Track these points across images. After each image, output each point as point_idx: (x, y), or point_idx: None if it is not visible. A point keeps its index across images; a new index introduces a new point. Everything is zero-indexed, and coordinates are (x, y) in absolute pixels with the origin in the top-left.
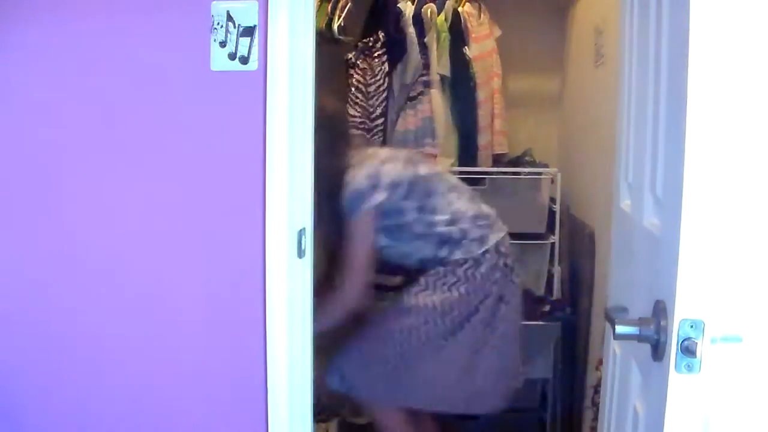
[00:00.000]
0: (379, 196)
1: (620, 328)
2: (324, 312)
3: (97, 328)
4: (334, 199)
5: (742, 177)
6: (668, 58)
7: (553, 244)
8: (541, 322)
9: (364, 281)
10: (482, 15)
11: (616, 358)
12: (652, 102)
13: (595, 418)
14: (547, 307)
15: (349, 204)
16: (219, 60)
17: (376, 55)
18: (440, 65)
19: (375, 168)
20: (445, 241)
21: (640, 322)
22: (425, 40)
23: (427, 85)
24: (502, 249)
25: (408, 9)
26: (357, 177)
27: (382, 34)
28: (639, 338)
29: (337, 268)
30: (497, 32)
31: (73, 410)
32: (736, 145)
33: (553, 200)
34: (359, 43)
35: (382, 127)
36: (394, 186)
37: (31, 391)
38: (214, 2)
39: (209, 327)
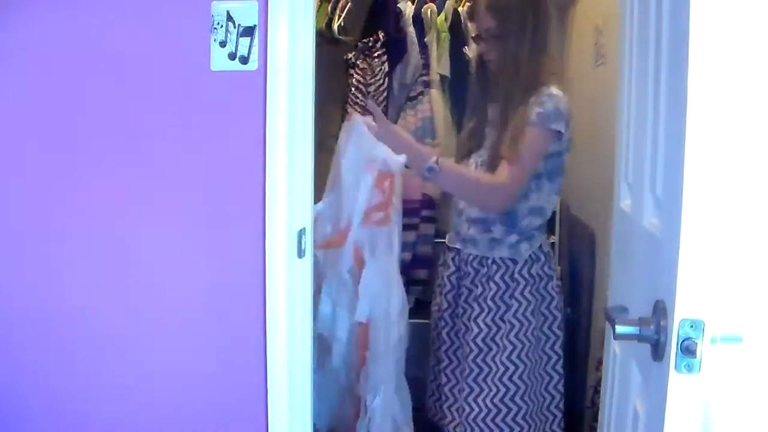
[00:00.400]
0: (565, 131)
1: (620, 328)
2: (464, 177)
3: (96, 327)
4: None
5: (742, 177)
6: (668, 58)
7: (553, 244)
8: None
9: (520, 189)
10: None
11: (616, 358)
12: (652, 102)
13: (595, 418)
14: None
15: (546, 115)
16: (219, 60)
17: (376, 55)
18: (440, 65)
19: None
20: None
21: (640, 322)
22: (425, 39)
23: (427, 85)
24: None
25: (408, 9)
26: (562, 99)
27: (382, 34)
28: (639, 338)
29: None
30: None
31: (72, 410)
32: (736, 145)
33: None
34: (359, 43)
35: None
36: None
37: (30, 391)
38: (214, 2)
39: (209, 327)
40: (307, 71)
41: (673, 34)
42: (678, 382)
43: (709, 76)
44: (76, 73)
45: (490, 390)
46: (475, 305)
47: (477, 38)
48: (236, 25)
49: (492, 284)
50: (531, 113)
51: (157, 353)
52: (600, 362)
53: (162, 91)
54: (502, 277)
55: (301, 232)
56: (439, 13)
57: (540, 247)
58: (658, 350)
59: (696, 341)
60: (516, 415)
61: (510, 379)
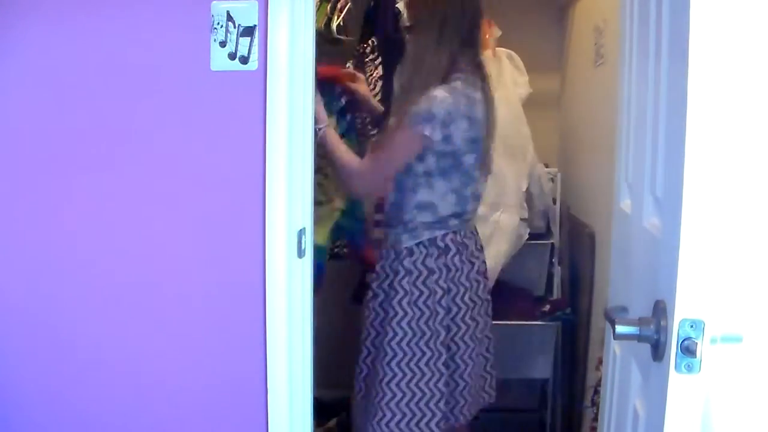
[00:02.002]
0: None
1: (620, 328)
2: (337, 154)
3: (96, 328)
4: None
5: (742, 177)
6: (668, 58)
7: (553, 244)
8: (541, 322)
9: (374, 180)
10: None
11: (616, 358)
12: (652, 102)
13: (595, 418)
14: (547, 307)
15: (416, 117)
16: (219, 60)
17: (366, 61)
18: None
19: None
20: None
21: (640, 322)
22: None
23: None
24: None
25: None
26: (441, 101)
27: (374, 40)
28: (639, 338)
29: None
30: (497, 32)
31: (71, 410)
32: (736, 145)
33: (553, 200)
34: (355, 51)
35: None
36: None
37: (30, 390)
38: (214, 2)
39: (209, 327)
40: (307, 71)
41: (673, 34)
42: (678, 382)
43: (710, 76)
44: (77, 73)
45: (385, 374)
46: (369, 291)
47: (406, 29)
48: (236, 25)
49: (378, 272)
50: (409, 111)
51: (156, 353)
52: (600, 362)
53: (162, 91)
54: (382, 266)
55: (301, 232)
56: None
57: (425, 241)
58: (658, 350)
59: (696, 341)
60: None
61: (389, 364)
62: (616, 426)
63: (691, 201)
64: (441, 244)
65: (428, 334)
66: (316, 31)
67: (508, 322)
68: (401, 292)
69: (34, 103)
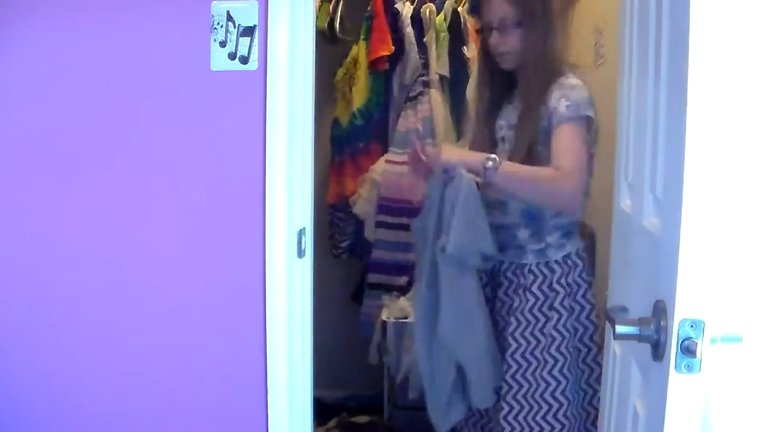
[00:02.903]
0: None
1: (620, 328)
2: (528, 176)
3: (97, 327)
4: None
5: (742, 177)
6: (668, 58)
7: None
8: None
9: (582, 181)
10: None
11: (616, 358)
12: (652, 102)
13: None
14: None
15: (576, 105)
16: (219, 60)
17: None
18: (439, 65)
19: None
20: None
21: (640, 322)
22: (424, 39)
23: (427, 85)
24: None
25: (406, 9)
26: (584, 88)
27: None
28: (639, 338)
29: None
30: None
31: (71, 409)
32: (737, 145)
33: None
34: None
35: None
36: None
37: (30, 389)
38: (214, 2)
39: (209, 327)
40: (307, 71)
41: (673, 33)
42: (678, 382)
43: (710, 75)
44: (77, 72)
45: (532, 407)
46: (512, 319)
47: (488, 31)
48: (236, 25)
49: (530, 295)
50: (560, 108)
51: (157, 353)
52: None
53: (162, 91)
54: (540, 287)
55: (301, 232)
56: (438, 13)
57: (575, 254)
58: (658, 350)
59: (696, 341)
60: (565, 430)
61: (552, 395)
62: (616, 426)
63: (691, 201)
64: (583, 255)
65: (593, 350)
66: (316, 30)
67: None
68: (565, 313)
69: (34, 103)
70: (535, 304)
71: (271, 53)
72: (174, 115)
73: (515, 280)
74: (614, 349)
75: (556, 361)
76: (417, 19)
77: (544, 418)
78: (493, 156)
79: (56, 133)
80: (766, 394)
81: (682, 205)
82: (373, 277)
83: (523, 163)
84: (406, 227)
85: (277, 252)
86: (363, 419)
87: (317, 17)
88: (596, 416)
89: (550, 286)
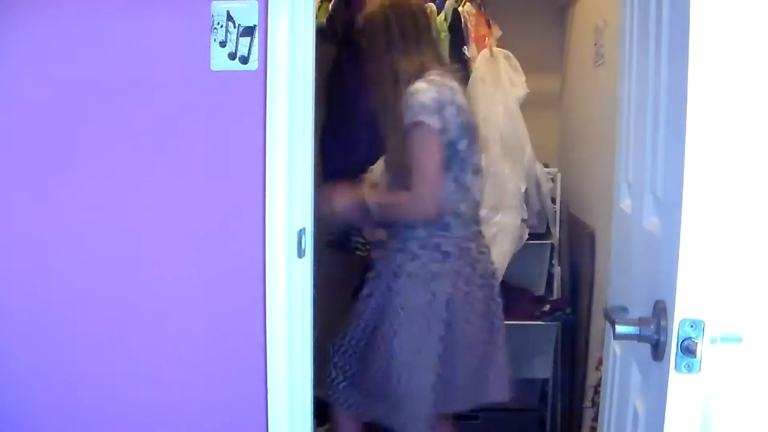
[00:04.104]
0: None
1: (620, 328)
2: (389, 207)
3: (97, 329)
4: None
5: (742, 177)
6: (668, 58)
7: (552, 244)
8: (541, 322)
9: (432, 190)
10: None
11: (616, 358)
12: (652, 102)
13: (595, 418)
14: (547, 307)
15: (413, 112)
16: (219, 60)
17: None
18: None
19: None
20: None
21: (640, 322)
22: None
23: None
24: None
25: None
26: (424, 91)
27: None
28: (639, 338)
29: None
30: (497, 32)
31: (72, 407)
32: (737, 144)
33: (553, 200)
34: None
35: None
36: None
37: (30, 386)
38: (214, 2)
39: (209, 327)
40: (307, 71)
41: (674, 33)
42: (678, 382)
43: (710, 75)
44: (77, 72)
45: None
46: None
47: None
48: (236, 25)
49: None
50: (404, 117)
51: (157, 353)
52: (600, 362)
53: (162, 91)
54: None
55: (301, 232)
56: (438, 13)
57: (431, 245)
58: (658, 350)
59: (696, 341)
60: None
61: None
62: (616, 426)
63: (691, 201)
64: (446, 248)
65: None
66: (317, 30)
67: (508, 322)
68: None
69: (34, 102)
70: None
71: (271, 53)
72: (174, 114)
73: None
74: (614, 349)
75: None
76: None
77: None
78: (364, 199)
79: (56, 132)
80: (766, 394)
81: (682, 205)
82: None
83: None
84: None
85: (277, 252)
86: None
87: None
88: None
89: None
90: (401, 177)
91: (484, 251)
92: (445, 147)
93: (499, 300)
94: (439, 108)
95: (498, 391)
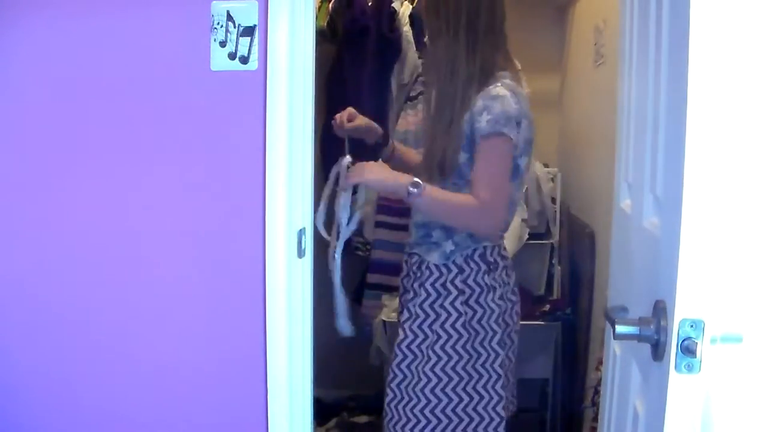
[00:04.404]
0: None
1: (620, 328)
2: (448, 205)
3: (97, 329)
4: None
5: (742, 177)
6: (668, 58)
7: (553, 244)
8: (541, 322)
9: (501, 205)
10: None
11: (616, 358)
12: (652, 102)
13: (595, 418)
14: (547, 307)
15: (495, 120)
16: (219, 60)
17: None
18: None
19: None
20: None
21: (640, 322)
22: (424, 39)
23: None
24: None
25: (403, 8)
26: (509, 99)
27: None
28: (639, 338)
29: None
30: None
31: (72, 407)
32: (737, 144)
33: (553, 200)
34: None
35: None
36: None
37: (30, 386)
38: (214, 2)
39: (209, 327)
40: (307, 71)
41: (674, 33)
42: (678, 382)
43: (710, 75)
44: (76, 72)
45: (411, 399)
46: (405, 310)
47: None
48: (236, 25)
49: (423, 290)
50: (481, 121)
51: (156, 353)
52: (600, 362)
53: (162, 91)
54: (433, 284)
55: (301, 232)
56: None
57: (479, 255)
58: (658, 350)
59: (696, 341)
60: (443, 428)
61: (432, 391)
62: (616, 426)
63: (691, 201)
64: (491, 258)
65: (490, 355)
66: (317, 30)
67: None
68: (453, 314)
69: (33, 103)
70: (426, 299)
71: (271, 53)
72: (174, 114)
73: (417, 274)
74: (614, 349)
75: (440, 358)
76: (415, 18)
77: (422, 411)
78: (417, 180)
79: (56, 132)
80: (766, 394)
81: (682, 205)
82: (372, 277)
83: (434, 167)
84: (405, 227)
85: (277, 252)
86: (363, 419)
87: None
88: (479, 423)
89: (443, 285)
90: (443, 181)
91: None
92: (512, 160)
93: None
94: (519, 121)
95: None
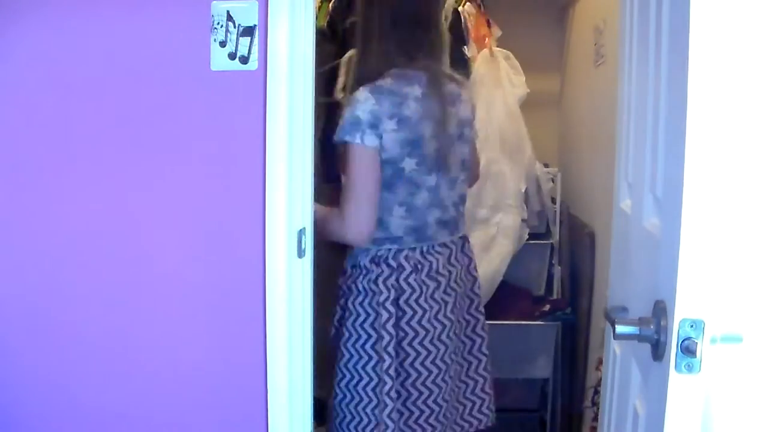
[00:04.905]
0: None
1: (620, 328)
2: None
3: (96, 329)
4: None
5: (742, 177)
6: (668, 58)
7: (552, 244)
8: (541, 322)
9: (358, 214)
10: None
11: (616, 358)
12: (652, 102)
13: (595, 418)
14: (547, 307)
15: (342, 128)
16: (219, 60)
17: None
18: None
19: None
20: None
21: (640, 322)
22: None
23: None
24: None
25: None
26: (361, 102)
27: None
28: (639, 338)
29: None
30: (497, 32)
31: (72, 407)
32: (737, 144)
33: (553, 200)
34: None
35: None
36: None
37: (30, 386)
38: (214, 2)
39: (209, 327)
40: (307, 71)
41: (673, 33)
42: (678, 382)
43: (710, 75)
44: (76, 72)
45: (353, 398)
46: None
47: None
48: (236, 25)
49: (342, 289)
50: (336, 131)
51: (156, 353)
52: (600, 362)
53: (162, 90)
54: (346, 283)
55: (301, 232)
56: None
57: (375, 259)
58: (658, 350)
59: (696, 341)
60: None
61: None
62: (616, 426)
63: (691, 201)
64: (393, 263)
65: (375, 358)
66: (317, 30)
67: (508, 322)
68: (354, 313)
69: (33, 102)
70: (348, 299)
71: (271, 53)
72: (174, 114)
73: (347, 273)
74: (614, 349)
75: (343, 354)
76: None
77: (364, 409)
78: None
79: (56, 132)
80: (766, 394)
81: (682, 205)
82: None
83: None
84: None
85: (277, 252)
86: None
87: (317, 20)
88: (419, 416)
89: (350, 286)
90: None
91: (457, 262)
92: (385, 166)
93: (475, 316)
94: (375, 123)
95: (486, 413)
